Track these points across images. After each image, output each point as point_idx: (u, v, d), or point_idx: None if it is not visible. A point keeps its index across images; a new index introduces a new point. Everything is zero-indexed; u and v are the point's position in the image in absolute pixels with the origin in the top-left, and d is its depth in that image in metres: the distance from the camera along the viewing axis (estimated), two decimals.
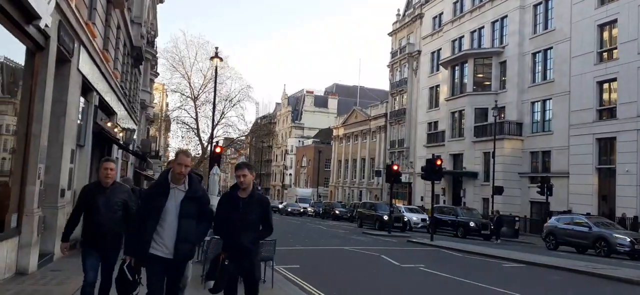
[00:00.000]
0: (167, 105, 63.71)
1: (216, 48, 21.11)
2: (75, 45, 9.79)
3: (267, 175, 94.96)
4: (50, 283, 7.63)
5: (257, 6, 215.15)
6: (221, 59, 21.57)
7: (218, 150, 17.47)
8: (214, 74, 44.13)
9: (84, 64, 10.87)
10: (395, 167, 26.38)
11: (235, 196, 4.77)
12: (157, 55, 35.63)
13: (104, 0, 13.44)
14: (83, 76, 10.94)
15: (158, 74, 39.21)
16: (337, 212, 43.58)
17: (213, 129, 24.38)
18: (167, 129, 66.52)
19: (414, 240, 22.64)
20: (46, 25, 7.28)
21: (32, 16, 6.84)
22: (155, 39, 34.49)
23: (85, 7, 10.85)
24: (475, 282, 10.83)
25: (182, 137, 48.86)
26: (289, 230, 27.08)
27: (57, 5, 8.10)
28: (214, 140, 47.34)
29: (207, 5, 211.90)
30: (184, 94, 43.73)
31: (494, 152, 31.14)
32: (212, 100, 45.36)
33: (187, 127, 46.46)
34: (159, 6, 36.73)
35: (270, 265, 9.08)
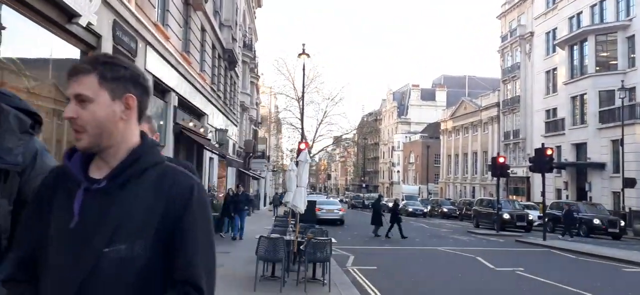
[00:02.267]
0: (276, 107, 65.98)
1: (303, 45, 20.96)
2: (139, 45, 9.95)
3: (375, 173, 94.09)
4: None
5: (360, 6, 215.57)
6: (308, 55, 21.36)
7: (303, 146, 17.14)
8: (315, 74, 44.80)
9: (154, 65, 11.08)
10: (501, 160, 24.09)
11: (74, 178, 1.36)
12: (257, 58, 36.67)
13: (180, 2, 13.73)
14: (154, 76, 11.17)
15: (259, 76, 40.43)
16: (445, 210, 41.43)
17: (302, 124, 24.30)
18: (279, 130, 68.81)
19: (524, 240, 20.39)
20: (90, 23, 7.32)
21: (70, 14, 6.88)
22: (255, 43, 35.52)
23: (152, 8, 11.05)
24: (579, 289, 9.07)
25: (288, 138, 50.32)
26: (384, 228, 26.10)
27: (108, 5, 8.20)
28: (318, 138, 48.06)
29: (310, 10, 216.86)
30: (288, 96, 45.03)
31: (622, 140, 27.09)
32: (315, 100, 46.10)
33: (293, 127, 47.63)
34: (258, 10, 37.81)
35: (328, 266, 8.37)
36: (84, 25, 7.17)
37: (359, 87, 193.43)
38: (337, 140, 56.64)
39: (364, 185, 74.01)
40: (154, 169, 1.36)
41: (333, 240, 8.91)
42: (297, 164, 10.32)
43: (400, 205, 47.22)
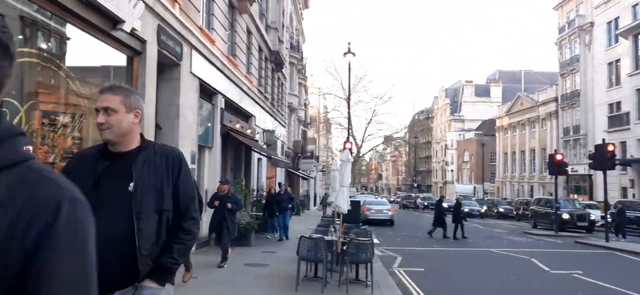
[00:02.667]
0: (325, 107, 66.23)
1: (348, 43, 20.84)
2: (185, 49, 10.18)
3: (428, 172, 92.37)
4: None
5: (404, 7, 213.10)
6: (354, 54, 21.17)
7: (348, 146, 17.04)
8: (363, 73, 44.68)
9: (200, 68, 11.31)
10: (559, 157, 22.95)
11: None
12: (304, 59, 36.88)
13: (225, 6, 13.96)
14: (200, 80, 11.40)
15: (307, 77, 40.67)
16: (501, 209, 40.03)
17: (349, 123, 24.18)
18: (329, 131, 69.04)
19: (584, 241, 19.31)
20: (134, 29, 7.54)
21: (115, 20, 7.11)
22: (302, 44, 35.72)
23: (197, 12, 11.28)
24: None
25: (337, 138, 50.54)
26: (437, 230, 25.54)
27: (152, 10, 8.43)
28: (367, 138, 47.85)
29: (353, 10, 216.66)
30: (337, 96, 45.28)
31: None
32: (363, 99, 46.01)
33: (342, 127, 47.75)
34: (306, 11, 38.00)
35: (370, 268, 8.20)
36: (128, 31, 7.40)
37: (409, 85, 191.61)
38: (387, 139, 56.23)
39: (415, 185, 72.85)
40: (8, 173, 0.85)
41: (376, 240, 8.77)
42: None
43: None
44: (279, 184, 16.45)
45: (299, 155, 34.76)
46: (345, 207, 9.62)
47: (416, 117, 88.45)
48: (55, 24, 6.59)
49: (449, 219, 20.00)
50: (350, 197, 19.62)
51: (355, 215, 15.22)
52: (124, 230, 2.08)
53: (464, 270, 11.59)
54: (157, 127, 9.46)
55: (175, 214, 2.26)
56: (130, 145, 2.25)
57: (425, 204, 46.13)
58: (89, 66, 7.99)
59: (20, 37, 6.91)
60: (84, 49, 7.40)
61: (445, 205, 20.41)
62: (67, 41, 7.44)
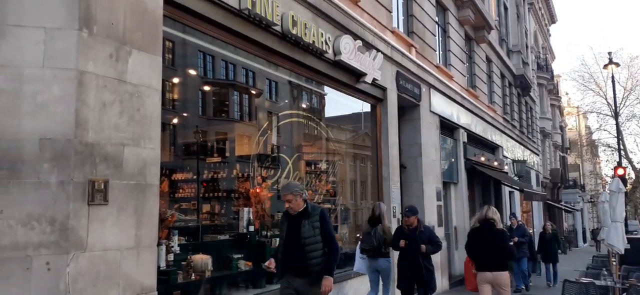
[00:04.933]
0: (587, 128, 58.22)
1: (609, 53, 17.93)
2: (423, 89, 10.43)
3: None
4: None
5: None
6: (617, 65, 18.14)
7: (620, 172, 14.41)
8: (634, 83, 37.94)
9: (439, 105, 11.40)
10: None
11: None
12: (556, 78, 33.42)
13: (462, 40, 13.82)
14: (440, 116, 11.46)
15: (560, 97, 36.62)
16: None
17: (619, 145, 20.38)
18: (595, 154, 60.40)
19: None
20: (375, 79, 8.12)
21: (358, 75, 7.80)
22: (551, 62, 32.56)
23: (433, 52, 11.46)
24: None
25: (607, 161, 43.76)
26: None
27: (391, 59, 8.95)
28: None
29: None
30: (601, 113, 39.34)
31: None
32: (638, 114, 38.78)
33: (611, 149, 41.15)
34: (553, 27, 34.73)
35: None
36: (370, 82, 8.00)
37: None
38: None
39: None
40: None
41: None
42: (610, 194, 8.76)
43: None
44: (512, 216, 12.84)
45: (559, 185, 31.22)
46: (621, 245, 8.15)
47: None
48: (309, 84, 7.67)
49: None
50: (633, 232, 16.45)
51: (637, 255, 12.63)
52: None
53: None
54: (402, 166, 9.83)
55: None
56: None
57: None
58: (339, 116, 9.06)
59: (288, 101, 8.29)
60: (335, 103, 8.40)
61: None
62: (322, 98, 8.60)
